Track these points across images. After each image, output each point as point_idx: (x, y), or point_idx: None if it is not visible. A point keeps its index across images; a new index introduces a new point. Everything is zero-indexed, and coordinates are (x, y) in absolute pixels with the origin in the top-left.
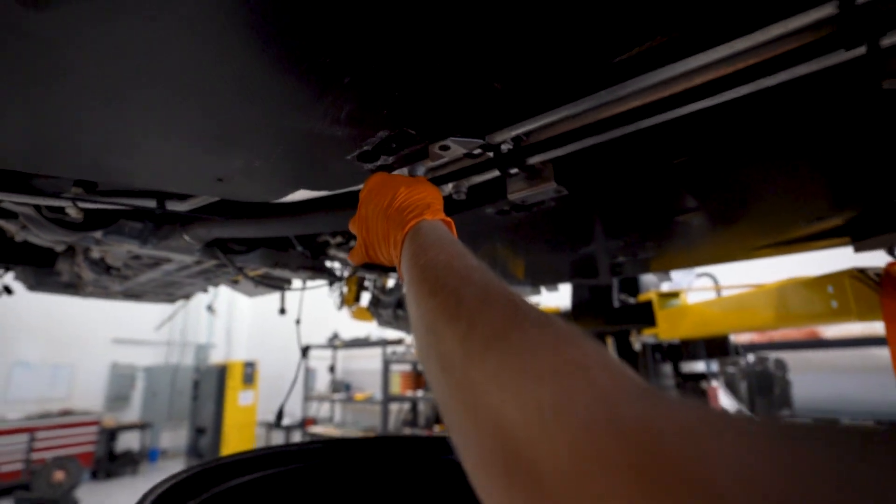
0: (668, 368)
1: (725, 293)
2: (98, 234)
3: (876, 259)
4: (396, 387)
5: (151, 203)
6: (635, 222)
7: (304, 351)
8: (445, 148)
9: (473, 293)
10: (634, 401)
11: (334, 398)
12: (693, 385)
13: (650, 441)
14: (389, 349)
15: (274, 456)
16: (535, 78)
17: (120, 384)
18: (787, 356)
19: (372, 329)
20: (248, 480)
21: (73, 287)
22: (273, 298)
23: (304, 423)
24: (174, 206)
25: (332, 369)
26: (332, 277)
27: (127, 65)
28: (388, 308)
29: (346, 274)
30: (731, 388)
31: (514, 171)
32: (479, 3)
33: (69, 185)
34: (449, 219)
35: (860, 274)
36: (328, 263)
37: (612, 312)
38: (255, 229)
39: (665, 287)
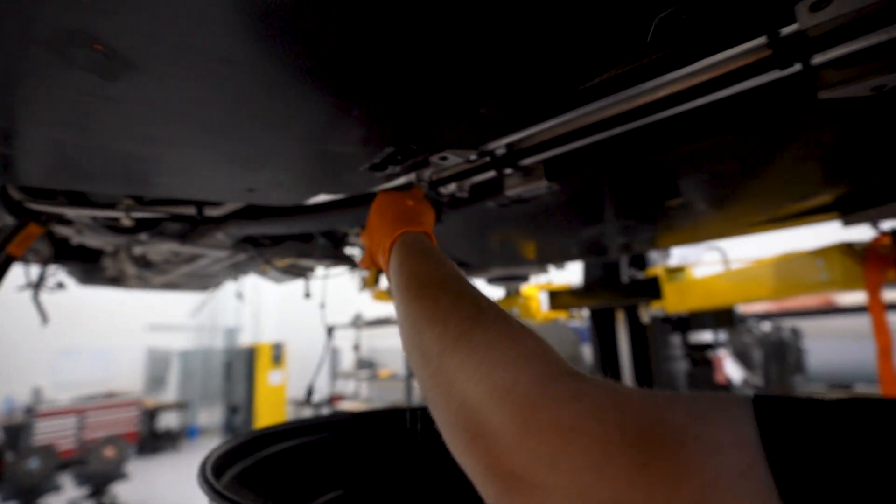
0: (676, 339)
1: (734, 268)
2: (144, 237)
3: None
4: None
5: (191, 210)
6: (631, 208)
7: (330, 331)
8: (444, 158)
9: (448, 299)
10: (561, 381)
11: (360, 376)
12: (700, 354)
13: (560, 410)
14: None
15: (307, 427)
16: (516, 103)
17: (157, 367)
18: (804, 324)
19: (394, 309)
20: (287, 447)
21: (117, 280)
22: (299, 283)
23: (332, 399)
24: (210, 211)
25: (356, 348)
26: (351, 264)
27: (180, 114)
28: None
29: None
30: (746, 356)
31: (508, 171)
32: (467, 51)
33: (119, 197)
34: (429, 231)
35: (847, 248)
36: (348, 251)
37: (621, 287)
38: (283, 227)
39: (672, 262)
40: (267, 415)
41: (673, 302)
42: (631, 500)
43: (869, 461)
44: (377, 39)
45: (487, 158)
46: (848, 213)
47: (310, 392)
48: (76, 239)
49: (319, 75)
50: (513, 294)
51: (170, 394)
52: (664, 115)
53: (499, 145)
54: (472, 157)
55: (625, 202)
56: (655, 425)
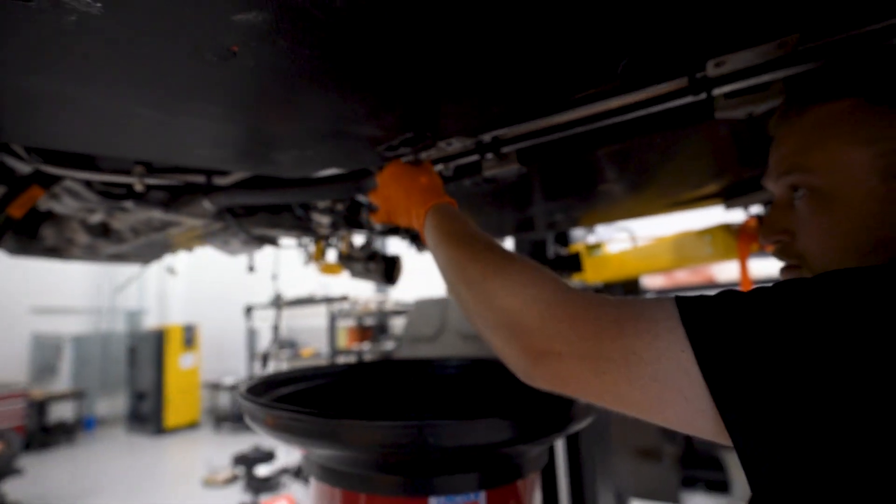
0: None
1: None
2: (129, 204)
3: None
4: (343, 341)
5: (201, 178)
6: (571, 190)
7: (248, 311)
8: (450, 144)
9: (483, 245)
10: (566, 294)
11: (281, 356)
12: None
13: (567, 309)
14: (335, 306)
15: (311, 376)
16: (521, 105)
17: (45, 355)
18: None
19: (315, 288)
20: (292, 391)
21: (56, 251)
22: (210, 264)
23: None
24: (218, 180)
25: (275, 328)
26: (315, 235)
27: (256, 95)
28: (360, 262)
29: (328, 231)
30: None
31: (489, 156)
32: (496, 70)
33: (128, 163)
34: (453, 200)
35: (727, 227)
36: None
37: (548, 262)
38: (276, 197)
39: (591, 239)
40: (179, 400)
41: (591, 274)
42: (612, 350)
43: (744, 320)
44: (430, 65)
45: (474, 145)
46: (729, 199)
47: (265, 359)
48: (45, 205)
49: (380, 84)
50: None
51: (62, 383)
52: (613, 120)
53: (488, 137)
54: (469, 143)
55: (565, 186)
56: (624, 311)
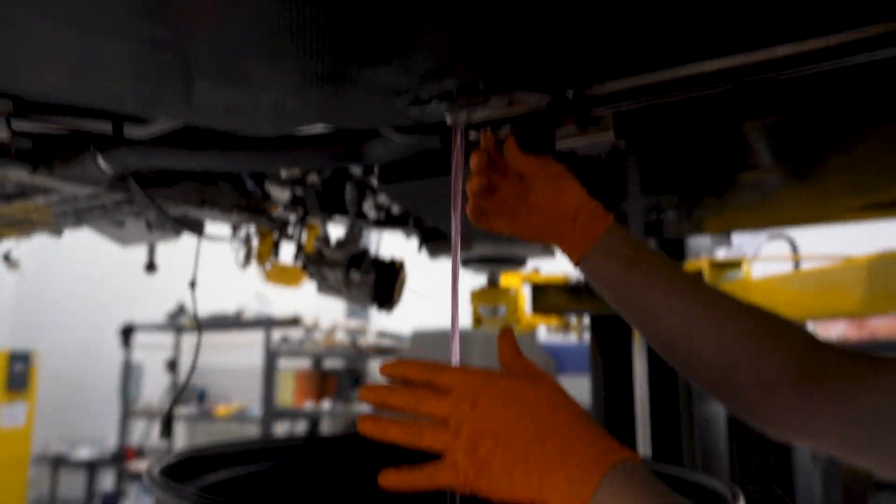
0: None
1: (807, 266)
2: None
3: None
4: (287, 394)
5: (106, 126)
6: (694, 178)
7: (126, 334)
8: (511, 101)
9: None
10: None
11: (178, 413)
12: None
13: None
14: (277, 333)
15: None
16: (625, 55)
17: None
18: None
19: (245, 302)
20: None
21: None
22: (58, 256)
23: (123, 456)
24: (132, 130)
25: (172, 366)
26: (270, 220)
27: None
28: (337, 268)
29: (287, 215)
30: None
31: (568, 119)
32: None
33: None
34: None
35: None
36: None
37: None
38: (224, 162)
39: (722, 254)
40: None
41: None
42: None
43: None
44: None
45: (547, 103)
46: None
47: (168, 422)
48: None
49: None
50: (496, 285)
51: None
52: (778, 75)
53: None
54: (541, 100)
55: (685, 171)
56: None
